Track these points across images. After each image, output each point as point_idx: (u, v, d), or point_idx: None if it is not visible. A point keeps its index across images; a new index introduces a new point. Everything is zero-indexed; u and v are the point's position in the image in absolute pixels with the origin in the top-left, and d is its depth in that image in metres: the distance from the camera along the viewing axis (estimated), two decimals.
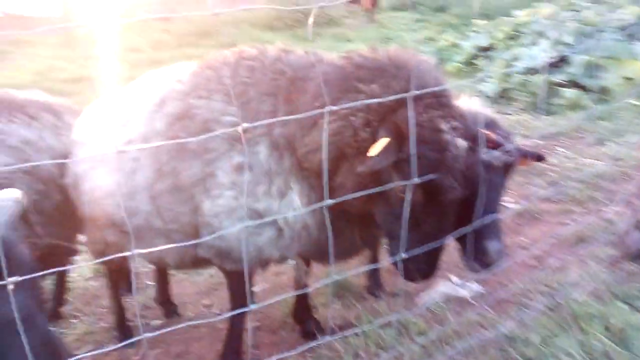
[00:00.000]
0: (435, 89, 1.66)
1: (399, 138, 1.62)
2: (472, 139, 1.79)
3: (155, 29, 14.23)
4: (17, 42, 13.45)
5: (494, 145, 1.97)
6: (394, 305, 2.76)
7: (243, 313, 2.30)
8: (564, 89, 6.85)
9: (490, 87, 7.43)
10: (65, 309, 3.26)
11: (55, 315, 3.14)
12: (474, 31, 10.22)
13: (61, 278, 3.21)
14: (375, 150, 1.61)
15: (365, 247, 2.28)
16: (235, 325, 2.28)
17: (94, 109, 2.54)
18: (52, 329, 1.39)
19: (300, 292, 2.38)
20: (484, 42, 9.26)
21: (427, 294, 2.85)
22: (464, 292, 2.77)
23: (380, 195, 1.69)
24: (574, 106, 6.66)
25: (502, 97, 7.36)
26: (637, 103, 6.18)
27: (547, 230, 3.75)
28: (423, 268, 1.86)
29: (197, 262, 2.31)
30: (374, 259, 3.14)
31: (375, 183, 1.69)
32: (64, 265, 2.75)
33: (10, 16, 17.03)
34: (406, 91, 1.59)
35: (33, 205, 2.34)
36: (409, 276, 1.89)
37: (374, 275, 3.10)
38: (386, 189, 1.67)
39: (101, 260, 1.62)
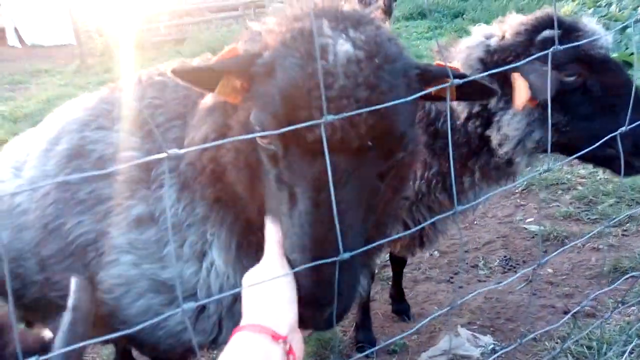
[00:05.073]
0: None
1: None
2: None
3: (167, 53, 14.21)
4: (36, 72, 13.63)
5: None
6: None
7: None
8: None
9: None
10: None
11: None
12: None
13: None
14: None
15: None
16: None
17: (10, 146, 2.14)
18: None
19: None
20: None
21: (427, 352, 2.32)
22: (473, 351, 2.24)
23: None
24: None
25: None
26: None
27: (576, 258, 3.18)
28: None
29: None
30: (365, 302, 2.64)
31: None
32: None
33: (29, 47, 17.36)
34: None
35: None
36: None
37: (363, 326, 2.60)
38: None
39: None
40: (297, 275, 0.96)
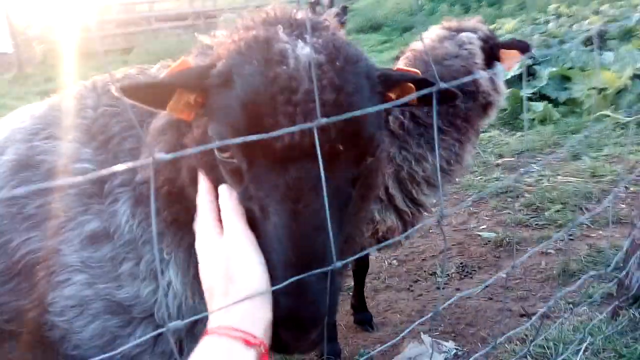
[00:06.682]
0: None
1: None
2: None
3: (114, 62, 13.73)
4: None
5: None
6: None
7: None
8: (533, 102, 6.59)
9: None
10: None
11: None
12: None
13: None
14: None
15: None
16: None
17: None
18: None
19: None
20: None
21: None
22: (436, 357, 2.27)
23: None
24: (545, 120, 6.41)
25: None
26: (611, 114, 5.92)
27: (528, 262, 3.31)
28: None
29: None
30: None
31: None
32: None
33: None
34: None
35: None
36: None
37: (329, 338, 2.57)
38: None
39: None
40: (279, 295, 0.87)
